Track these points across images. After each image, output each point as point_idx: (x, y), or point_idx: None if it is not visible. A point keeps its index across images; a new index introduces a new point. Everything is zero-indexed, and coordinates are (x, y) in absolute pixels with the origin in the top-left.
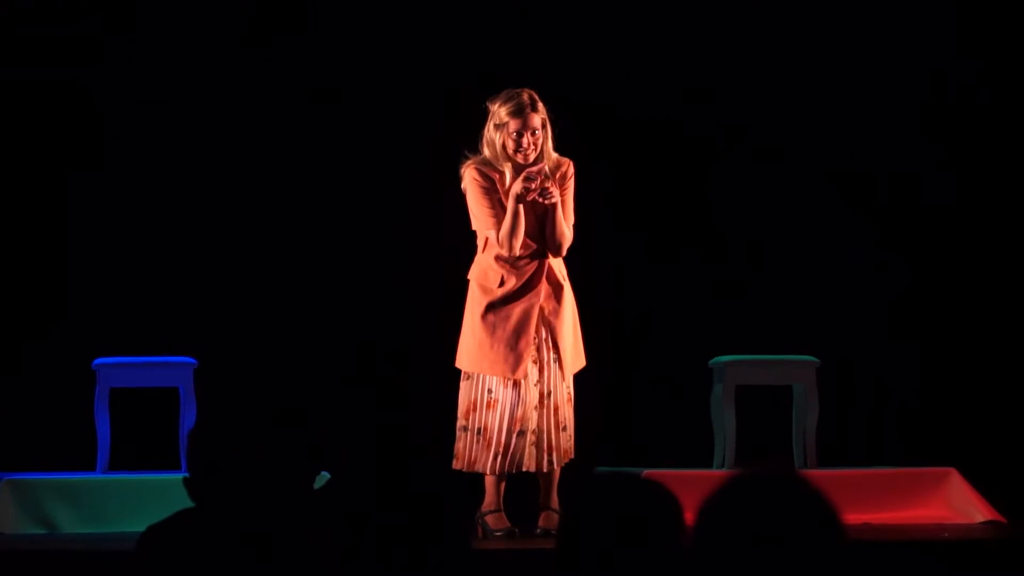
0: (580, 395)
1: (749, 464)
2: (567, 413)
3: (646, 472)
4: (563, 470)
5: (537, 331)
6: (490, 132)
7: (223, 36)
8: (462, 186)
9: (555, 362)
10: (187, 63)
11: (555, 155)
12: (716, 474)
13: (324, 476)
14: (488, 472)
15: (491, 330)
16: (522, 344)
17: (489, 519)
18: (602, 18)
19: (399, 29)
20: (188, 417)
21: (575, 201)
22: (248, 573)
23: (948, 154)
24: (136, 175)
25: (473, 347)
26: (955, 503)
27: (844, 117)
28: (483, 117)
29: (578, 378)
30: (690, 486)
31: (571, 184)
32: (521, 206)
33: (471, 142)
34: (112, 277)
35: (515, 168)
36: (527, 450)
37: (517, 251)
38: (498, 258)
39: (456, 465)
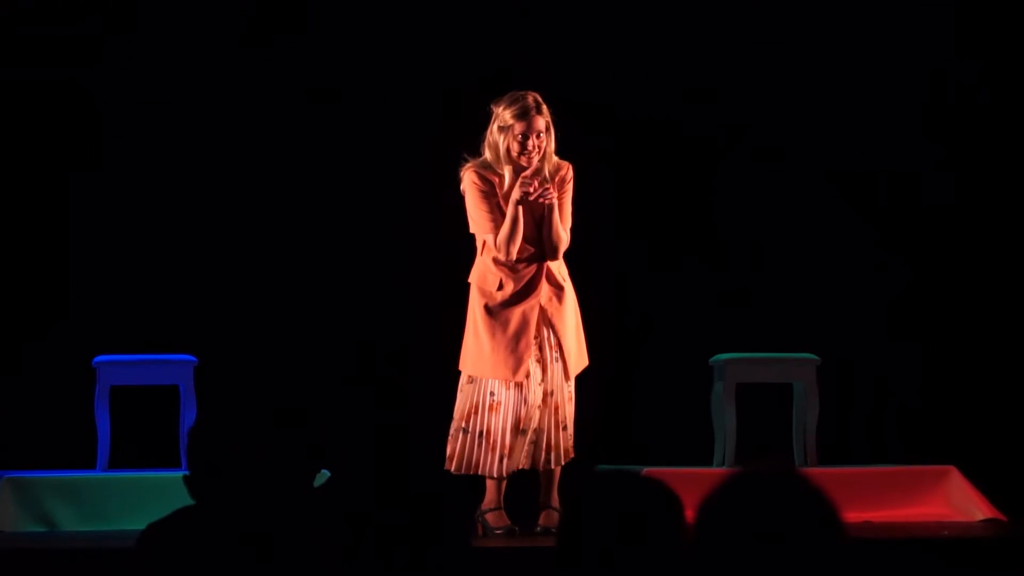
0: (581, 393)
1: (749, 462)
2: (568, 412)
3: (646, 470)
4: (563, 468)
5: (539, 331)
6: (493, 134)
7: (223, 36)
8: (461, 188)
9: (558, 361)
10: (187, 63)
11: (555, 158)
12: (716, 472)
13: (324, 475)
14: (492, 475)
15: (491, 333)
16: (522, 346)
17: (489, 517)
18: (602, 19)
19: (399, 29)
20: (188, 415)
21: (574, 204)
22: (248, 572)
23: (948, 154)
24: (136, 175)
25: (475, 351)
26: (955, 501)
27: (844, 117)
28: (484, 117)
29: (579, 376)
30: (690, 484)
31: (570, 188)
32: (520, 211)
33: (471, 142)
34: (112, 276)
35: (516, 171)
36: (525, 448)
37: (514, 256)
38: (496, 261)
39: (451, 467)
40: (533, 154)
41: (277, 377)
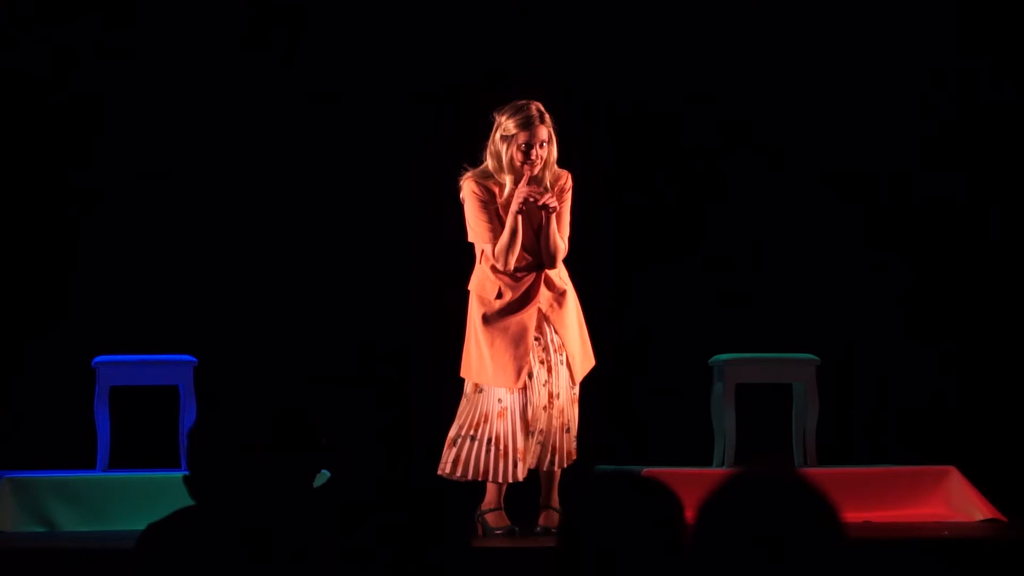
0: (581, 393)
1: (749, 462)
2: (571, 415)
3: (646, 470)
4: (564, 469)
5: (542, 334)
6: (495, 143)
7: (223, 37)
8: (460, 197)
9: (562, 364)
10: (187, 64)
11: (556, 168)
12: (716, 472)
13: (324, 475)
14: (507, 481)
15: (491, 341)
16: (521, 352)
17: (489, 517)
18: (601, 20)
19: (399, 30)
20: (188, 415)
21: (572, 214)
22: (248, 572)
23: (948, 154)
24: (136, 175)
25: (477, 359)
26: (955, 501)
27: (844, 117)
28: (484, 118)
29: None
30: (690, 484)
31: (568, 197)
32: (519, 221)
33: (472, 143)
34: (112, 276)
35: (517, 180)
36: (533, 449)
37: (512, 266)
38: (495, 270)
39: (458, 473)
40: (536, 164)
41: (277, 377)
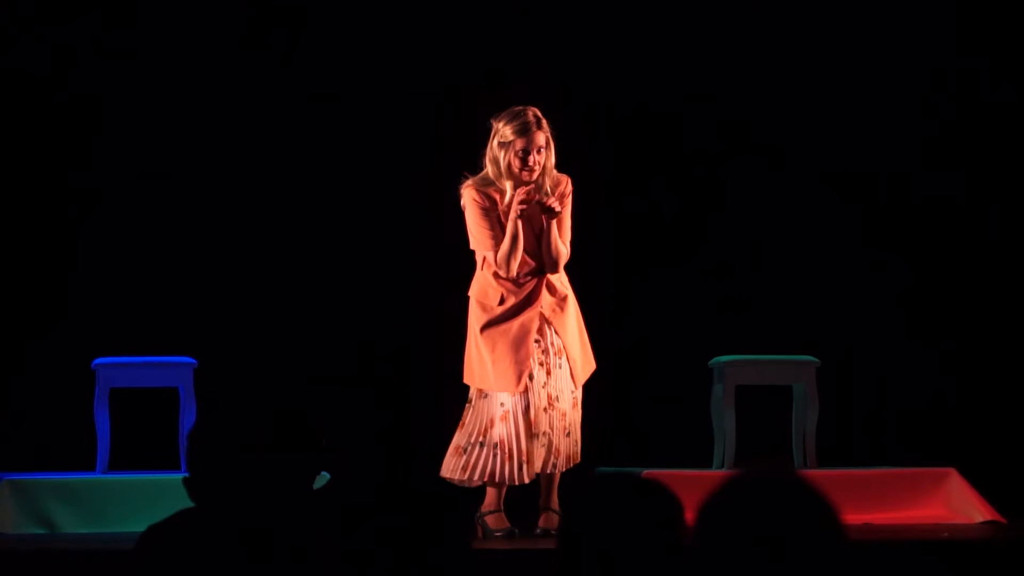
0: (581, 395)
1: (749, 464)
2: (573, 418)
3: (646, 472)
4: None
5: (543, 335)
6: (494, 150)
7: (223, 37)
8: (461, 204)
9: (561, 367)
10: (187, 64)
11: (555, 172)
12: (716, 474)
13: (324, 476)
14: (516, 483)
15: (492, 346)
16: (521, 356)
17: (489, 519)
18: (600, 20)
19: (399, 30)
20: (188, 417)
21: (573, 217)
22: (248, 573)
23: (948, 154)
24: (136, 175)
25: (478, 365)
26: (955, 503)
27: (843, 118)
28: (484, 118)
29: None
30: (690, 486)
31: (569, 202)
32: (520, 227)
33: (472, 143)
34: (112, 277)
35: (516, 186)
36: (538, 452)
37: (515, 272)
38: (497, 276)
39: (465, 477)
40: (535, 169)
41: (277, 378)
